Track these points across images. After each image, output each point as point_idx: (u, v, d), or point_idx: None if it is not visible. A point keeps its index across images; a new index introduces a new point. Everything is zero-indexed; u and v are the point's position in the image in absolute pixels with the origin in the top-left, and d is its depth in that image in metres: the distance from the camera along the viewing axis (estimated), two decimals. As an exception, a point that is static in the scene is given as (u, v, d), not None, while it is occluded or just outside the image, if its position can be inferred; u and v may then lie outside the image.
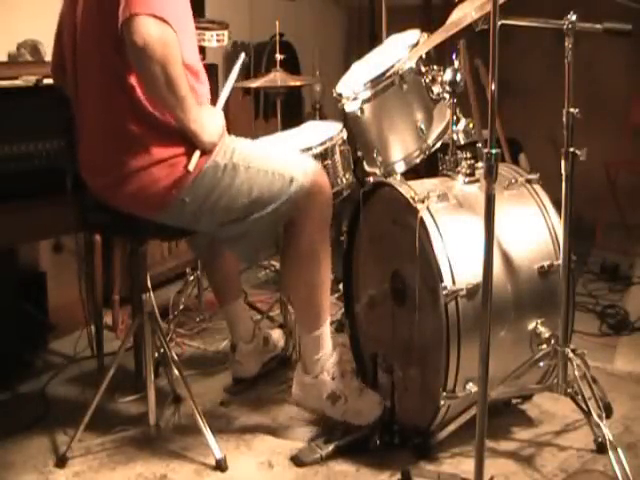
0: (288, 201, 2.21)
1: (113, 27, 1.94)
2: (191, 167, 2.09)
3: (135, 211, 2.15)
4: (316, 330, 2.31)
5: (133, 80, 2.04)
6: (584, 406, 2.23)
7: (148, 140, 2.08)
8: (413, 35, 2.54)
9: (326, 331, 2.33)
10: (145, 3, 1.91)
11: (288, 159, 2.29)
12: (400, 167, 2.49)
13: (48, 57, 2.87)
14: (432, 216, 2.19)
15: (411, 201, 2.21)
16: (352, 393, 2.33)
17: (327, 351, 2.33)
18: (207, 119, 2.12)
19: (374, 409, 2.32)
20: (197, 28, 2.22)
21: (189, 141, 2.10)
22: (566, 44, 2.16)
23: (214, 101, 2.28)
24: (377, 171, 2.53)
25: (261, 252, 2.47)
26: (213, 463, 2.23)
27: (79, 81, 2.17)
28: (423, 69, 2.44)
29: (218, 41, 3.29)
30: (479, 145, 2.44)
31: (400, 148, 2.49)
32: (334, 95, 2.58)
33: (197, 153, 2.11)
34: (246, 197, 2.18)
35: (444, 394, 2.15)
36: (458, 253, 2.16)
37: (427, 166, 2.72)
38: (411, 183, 2.35)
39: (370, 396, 2.36)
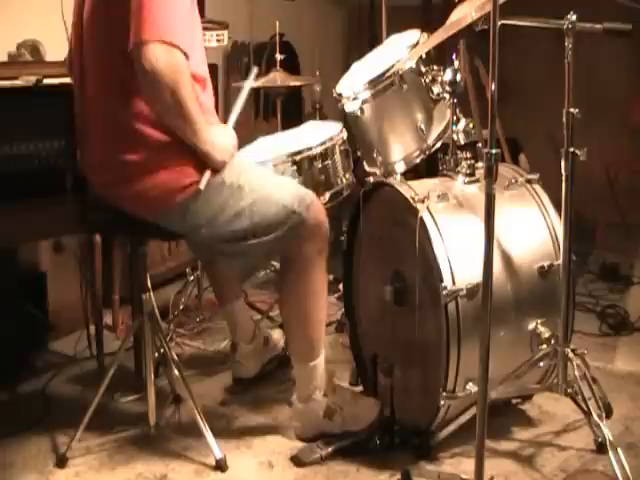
0: (287, 233, 2.20)
1: (122, 42, 1.95)
2: (202, 186, 2.08)
3: (136, 212, 2.15)
4: (312, 361, 2.30)
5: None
6: (584, 406, 2.23)
7: (157, 144, 2.07)
8: (413, 35, 2.54)
9: (321, 361, 2.32)
10: (154, 29, 1.91)
11: (291, 191, 2.27)
12: (400, 167, 2.49)
13: (48, 57, 2.88)
14: (432, 216, 2.19)
15: (411, 201, 2.21)
16: (346, 402, 2.33)
17: (322, 377, 2.32)
18: (218, 139, 2.12)
19: (371, 411, 2.31)
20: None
21: (200, 154, 2.10)
22: (566, 44, 2.16)
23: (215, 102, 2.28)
24: (377, 171, 2.53)
25: (254, 273, 2.46)
26: (213, 463, 2.23)
27: (86, 82, 2.17)
28: (423, 69, 2.44)
29: (218, 41, 3.29)
30: (479, 145, 2.45)
31: (400, 148, 2.49)
32: (334, 95, 2.58)
33: (208, 172, 2.10)
34: (247, 220, 2.17)
35: (444, 394, 2.15)
36: (458, 253, 2.16)
37: (427, 166, 2.72)
38: (411, 183, 2.35)
39: (364, 400, 2.36)
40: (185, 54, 1.96)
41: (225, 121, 2.28)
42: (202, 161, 2.11)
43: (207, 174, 2.10)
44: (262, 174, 2.32)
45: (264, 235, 2.19)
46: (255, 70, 2.54)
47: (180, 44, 1.94)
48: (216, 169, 2.12)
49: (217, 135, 2.13)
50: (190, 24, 2.07)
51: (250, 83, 2.48)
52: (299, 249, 2.24)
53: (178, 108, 1.98)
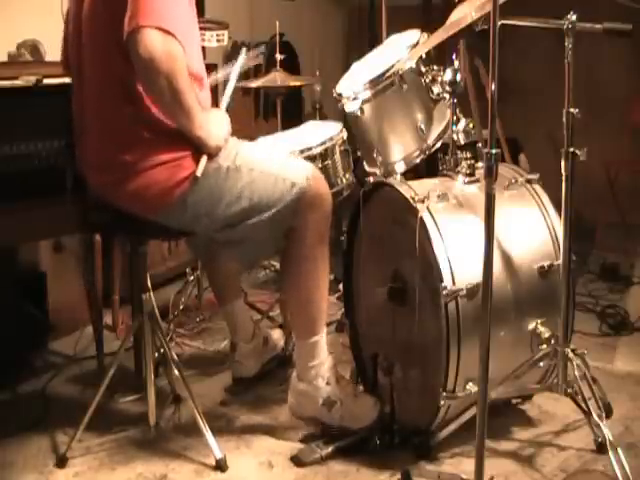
0: (288, 206, 2.21)
1: (120, 35, 1.95)
2: (199, 172, 2.09)
3: (135, 210, 2.15)
4: (312, 337, 2.30)
5: (139, 86, 2.04)
6: (584, 406, 2.23)
7: (152, 142, 2.08)
8: (413, 35, 2.54)
9: (322, 338, 2.32)
10: (151, 15, 1.91)
11: (290, 164, 2.29)
12: (400, 167, 2.49)
13: (48, 57, 2.89)
14: (432, 216, 2.19)
15: (411, 201, 2.21)
16: (347, 397, 2.32)
17: (322, 358, 2.32)
18: (213, 124, 2.13)
19: (370, 412, 2.31)
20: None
21: (193, 144, 2.10)
22: (566, 44, 2.16)
23: (215, 102, 2.29)
24: (377, 171, 2.53)
25: (260, 257, 2.46)
26: (213, 463, 2.23)
27: (83, 82, 2.17)
28: (423, 69, 2.44)
29: (218, 41, 3.29)
30: (479, 145, 2.45)
31: (400, 148, 2.49)
32: (334, 95, 2.58)
33: (204, 158, 2.11)
34: (247, 200, 2.18)
35: (444, 394, 2.15)
36: (458, 253, 2.16)
37: (427, 166, 2.72)
38: (411, 183, 2.35)
39: (366, 399, 2.35)
40: (182, 45, 1.96)
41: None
42: (197, 152, 2.11)
43: (203, 160, 2.11)
44: (258, 152, 2.31)
45: (265, 212, 2.19)
46: (244, 50, 2.53)
47: (177, 34, 1.94)
48: (211, 155, 2.13)
49: (212, 121, 2.13)
50: (188, 21, 2.07)
51: (240, 64, 2.48)
52: (301, 223, 2.24)
53: (174, 95, 1.98)
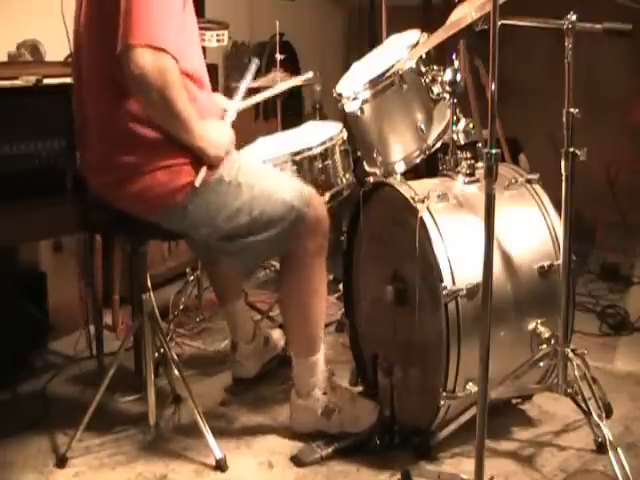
0: (287, 229, 2.20)
1: (114, 42, 1.95)
2: (197, 183, 2.09)
3: (136, 211, 2.14)
4: (312, 356, 2.31)
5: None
6: (584, 406, 2.23)
7: (154, 145, 2.07)
8: (413, 35, 2.54)
9: (320, 358, 2.33)
10: (141, 33, 1.91)
11: (291, 187, 2.27)
12: (400, 167, 2.49)
13: (48, 57, 2.88)
14: (432, 216, 2.19)
15: (411, 201, 2.21)
16: (345, 402, 2.33)
17: (321, 373, 2.33)
18: (213, 134, 2.12)
19: (370, 415, 2.31)
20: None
21: (194, 152, 2.10)
22: (566, 44, 2.16)
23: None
24: (377, 171, 2.53)
25: (255, 271, 2.47)
26: (213, 463, 2.23)
27: (84, 82, 2.17)
28: (423, 69, 2.44)
29: (218, 41, 3.29)
30: (479, 145, 2.45)
31: (400, 148, 2.49)
32: (334, 95, 2.58)
33: (204, 169, 2.11)
34: (247, 216, 2.17)
35: (444, 394, 2.15)
36: (458, 253, 2.16)
37: (427, 166, 2.72)
38: (411, 183, 2.35)
39: (364, 403, 2.36)
40: (174, 57, 1.96)
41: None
42: (197, 161, 2.11)
43: (203, 171, 2.11)
44: (261, 170, 2.32)
45: (264, 231, 2.19)
46: (256, 62, 2.53)
47: (168, 48, 1.94)
48: (212, 165, 2.13)
49: (210, 131, 2.12)
50: (183, 24, 2.06)
51: (251, 74, 2.48)
52: (299, 245, 2.24)
53: (167, 107, 1.98)
